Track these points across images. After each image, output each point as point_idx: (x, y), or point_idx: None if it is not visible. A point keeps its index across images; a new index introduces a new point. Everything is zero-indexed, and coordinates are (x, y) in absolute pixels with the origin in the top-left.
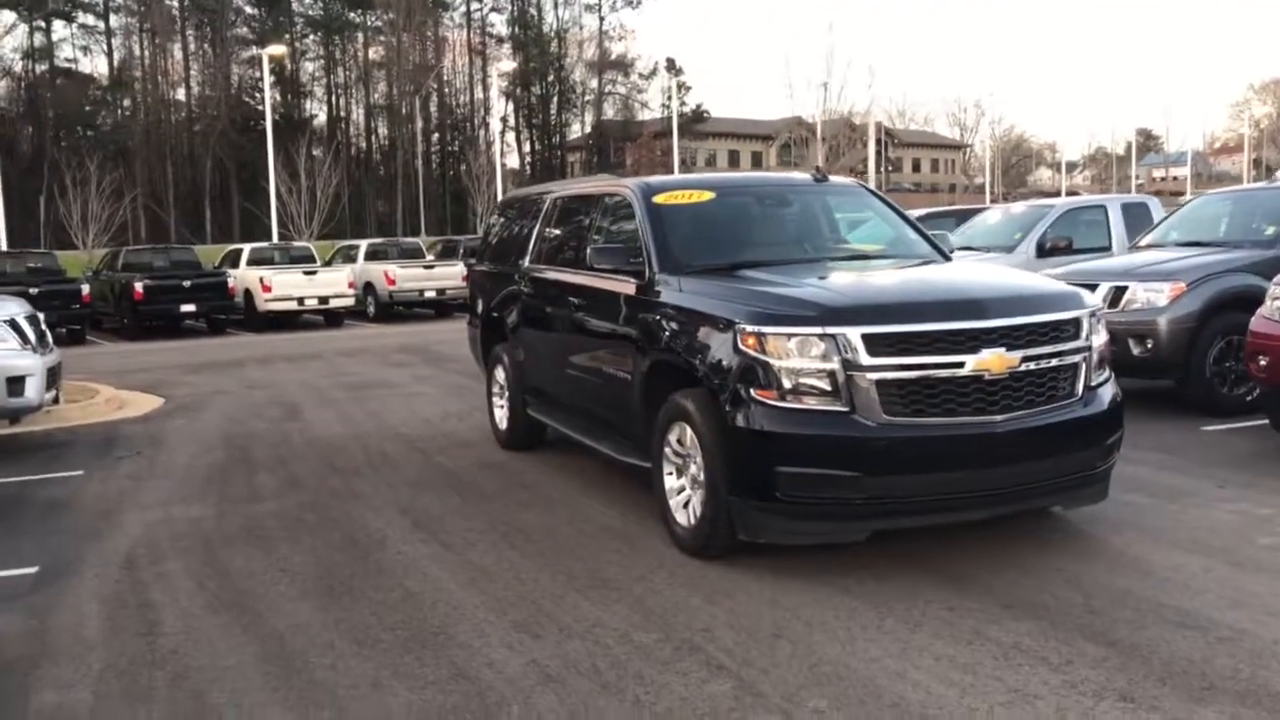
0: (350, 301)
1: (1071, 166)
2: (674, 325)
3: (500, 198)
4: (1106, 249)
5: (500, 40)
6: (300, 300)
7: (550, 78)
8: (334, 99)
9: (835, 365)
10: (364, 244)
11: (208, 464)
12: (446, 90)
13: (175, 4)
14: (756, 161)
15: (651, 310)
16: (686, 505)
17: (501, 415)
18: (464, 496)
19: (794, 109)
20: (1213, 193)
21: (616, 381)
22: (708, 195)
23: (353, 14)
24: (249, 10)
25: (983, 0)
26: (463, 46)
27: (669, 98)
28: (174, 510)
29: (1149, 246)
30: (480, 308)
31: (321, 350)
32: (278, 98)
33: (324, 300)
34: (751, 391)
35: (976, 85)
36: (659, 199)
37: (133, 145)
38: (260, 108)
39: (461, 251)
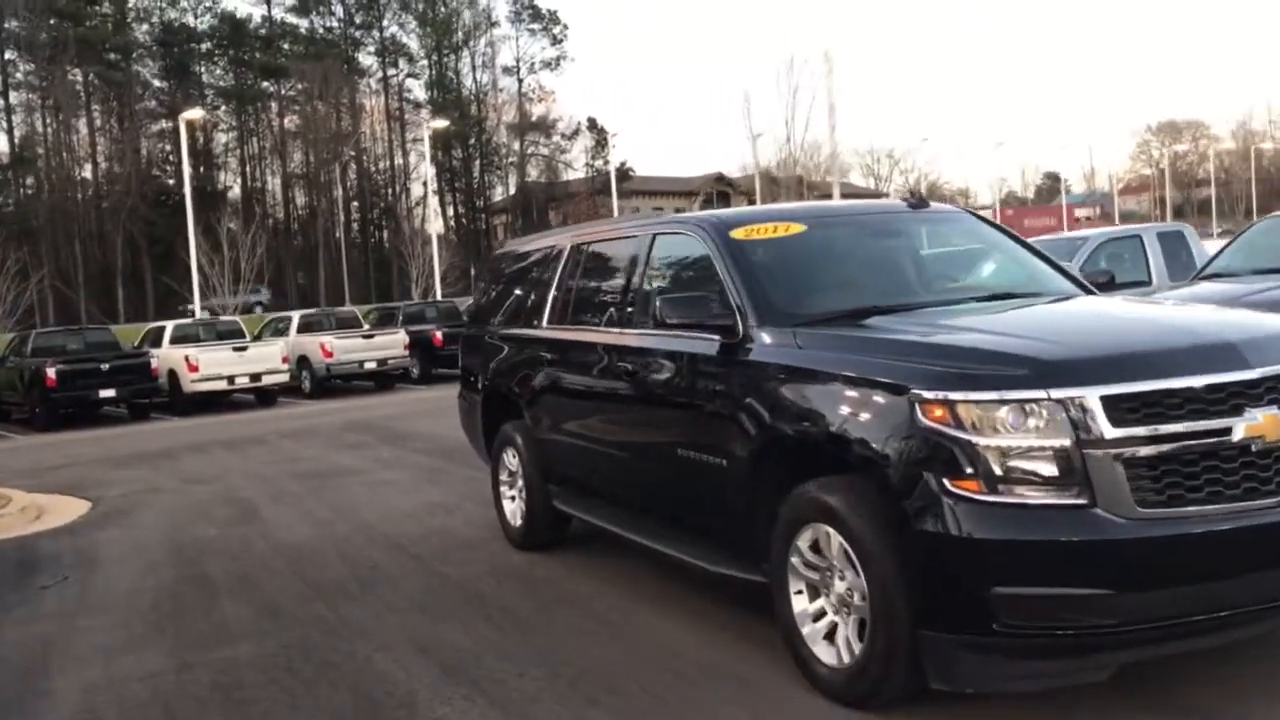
0: (285, 378)
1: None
2: (795, 393)
3: (435, 262)
4: (1146, 283)
5: (418, 105)
6: (230, 379)
7: (471, 141)
8: (248, 170)
9: (1066, 440)
10: (295, 315)
11: (155, 588)
12: (365, 158)
13: (79, 79)
14: None
15: (754, 374)
16: (831, 637)
17: (514, 508)
18: (495, 623)
19: (747, 157)
20: (1275, 215)
21: (702, 469)
22: (797, 228)
23: (265, 83)
24: (156, 83)
25: (882, 49)
26: (380, 113)
27: (592, 157)
28: (120, 664)
29: (1218, 276)
30: (479, 380)
31: (262, 433)
32: (188, 170)
33: (256, 378)
34: (945, 482)
35: (887, 135)
36: (737, 234)
37: (37, 225)
38: (171, 182)
39: (400, 319)
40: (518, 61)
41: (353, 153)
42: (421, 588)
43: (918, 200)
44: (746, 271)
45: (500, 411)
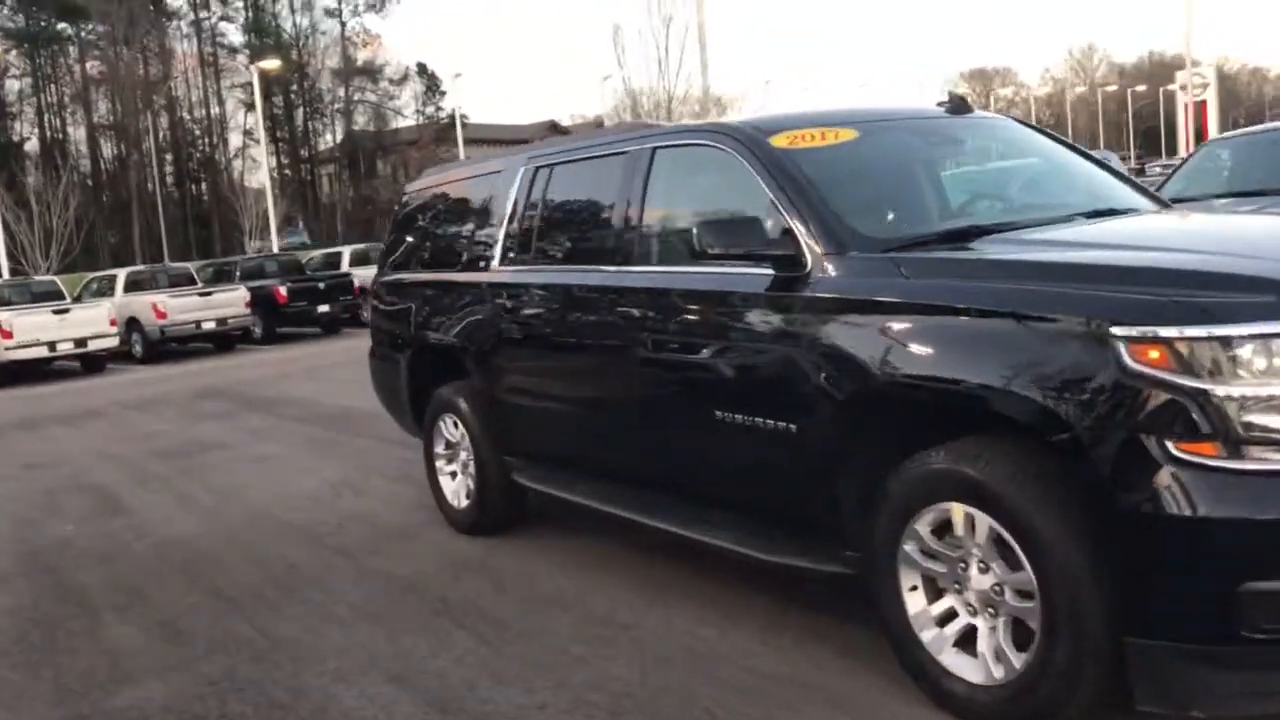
0: (114, 342)
1: None
2: (912, 335)
3: (271, 214)
4: None
5: (234, 50)
6: (52, 345)
7: (293, 87)
8: (47, 120)
9: None
10: (122, 273)
11: (14, 610)
12: (178, 107)
13: None
14: None
15: (837, 315)
16: (967, 644)
17: (457, 486)
18: (474, 633)
19: (596, 102)
20: (1220, 139)
21: (753, 435)
22: (848, 134)
23: (62, 25)
24: None
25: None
26: (194, 59)
27: (423, 104)
28: None
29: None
30: (404, 335)
31: (99, 405)
32: None
33: (81, 343)
34: (1167, 445)
35: (718, 81)
36: (779, 142)
37: None
38: None
39: (238, 274)
40: (339, 3)
41: (164, 101)
42: (362, 591)
43: (958, 103)
44: (802, 188)
45: (438, 372)
